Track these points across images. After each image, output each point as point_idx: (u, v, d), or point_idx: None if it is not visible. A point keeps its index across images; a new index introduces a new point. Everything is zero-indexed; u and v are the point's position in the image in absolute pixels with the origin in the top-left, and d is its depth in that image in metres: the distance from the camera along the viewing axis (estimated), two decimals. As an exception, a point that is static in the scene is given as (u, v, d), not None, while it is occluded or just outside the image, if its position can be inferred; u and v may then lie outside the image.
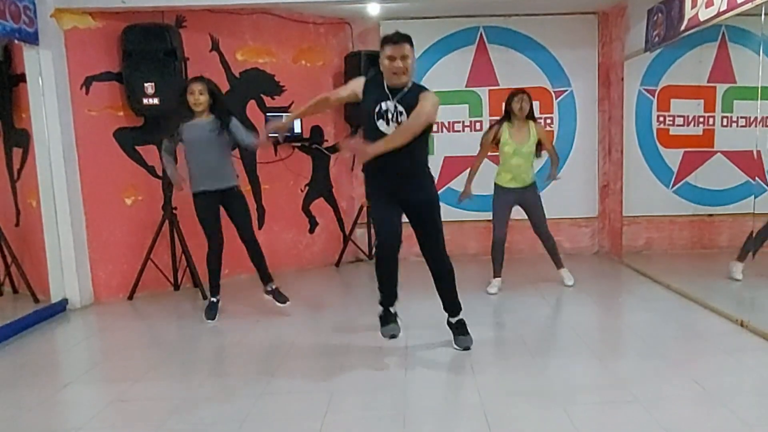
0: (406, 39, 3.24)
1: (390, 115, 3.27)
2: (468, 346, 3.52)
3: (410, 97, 3.28)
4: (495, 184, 4.81)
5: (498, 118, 4.86)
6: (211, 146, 4.16)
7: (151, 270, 4.99)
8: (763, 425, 2.51)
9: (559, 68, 6.15)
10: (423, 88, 3.37)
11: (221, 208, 4.29)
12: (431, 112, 3.24)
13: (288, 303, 4.40)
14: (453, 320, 3.62)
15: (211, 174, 4.20)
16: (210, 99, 4.18)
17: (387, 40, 3.24)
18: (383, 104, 3.27)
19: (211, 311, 4.32)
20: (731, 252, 4.91)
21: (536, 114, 6.15)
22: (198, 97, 4.12)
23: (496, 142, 4.72)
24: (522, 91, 4.73)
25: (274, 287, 4.42)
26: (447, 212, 5.94)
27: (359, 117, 3.51)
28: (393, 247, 3.33)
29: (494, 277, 4.86)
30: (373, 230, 3.72)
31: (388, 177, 3.32)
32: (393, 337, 3.50)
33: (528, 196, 4.77)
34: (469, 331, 3.59)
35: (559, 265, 4.98)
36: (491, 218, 4.83)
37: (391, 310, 3.54)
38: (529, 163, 4.74)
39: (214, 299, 4.36)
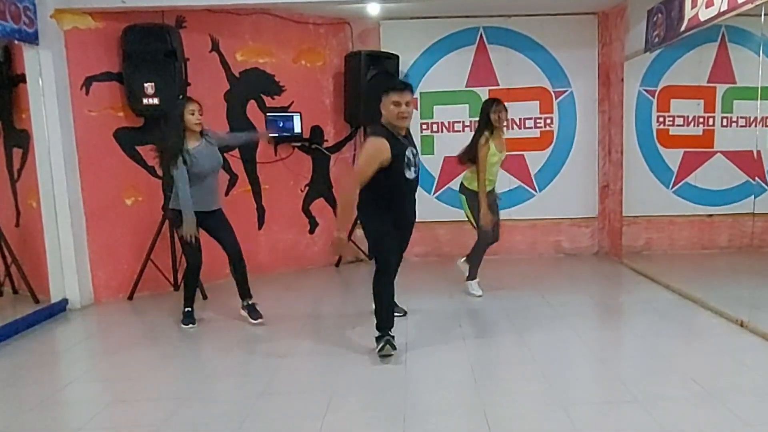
0: (409, 87, 3.42)
1: (411, 161, 3.42)
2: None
3: (411, 138, 3.55)
4: (471, 191, 4.54)
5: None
6: (217, 169, 4.15)
7: (151, 270, 4.99)
8: (763, 425, 2.51)
9: (559, 68, 6.15)
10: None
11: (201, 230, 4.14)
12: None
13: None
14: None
15: (212, 196, 4.13)
16: None
17: (393, 88, 3.37)
18: (406, 153, 3.40)
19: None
20: (731, 252, 4.91)
21: (537, 114, 6.25)
22: (199, 117, 3.99)
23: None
24: (497, 100, 4.58)
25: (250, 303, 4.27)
26: (447, 212, 6.05)
27: (387, 175, 3.33)
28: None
29: (473, 279, 4.76)
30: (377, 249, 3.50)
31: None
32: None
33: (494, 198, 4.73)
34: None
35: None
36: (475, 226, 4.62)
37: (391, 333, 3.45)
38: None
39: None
